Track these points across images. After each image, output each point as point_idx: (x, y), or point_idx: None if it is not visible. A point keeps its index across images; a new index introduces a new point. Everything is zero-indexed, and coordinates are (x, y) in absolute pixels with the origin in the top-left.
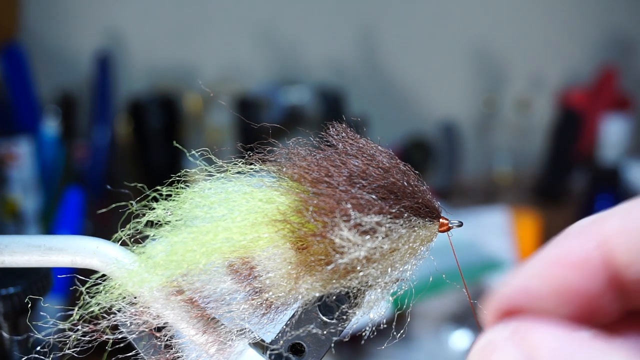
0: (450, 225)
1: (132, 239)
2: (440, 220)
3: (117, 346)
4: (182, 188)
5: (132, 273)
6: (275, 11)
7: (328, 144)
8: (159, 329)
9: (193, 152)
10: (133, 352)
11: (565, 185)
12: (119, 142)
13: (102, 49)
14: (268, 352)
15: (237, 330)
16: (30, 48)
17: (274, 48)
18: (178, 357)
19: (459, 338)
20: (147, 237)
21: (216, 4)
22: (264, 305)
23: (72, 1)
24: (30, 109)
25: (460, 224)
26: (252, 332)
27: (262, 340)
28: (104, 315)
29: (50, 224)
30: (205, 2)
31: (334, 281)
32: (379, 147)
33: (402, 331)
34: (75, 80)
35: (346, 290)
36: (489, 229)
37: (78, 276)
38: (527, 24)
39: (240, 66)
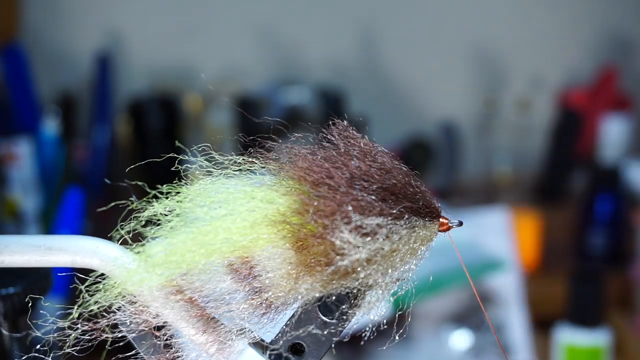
0: (450, 224)
1: (132, 238)
2: (440, 220)
3: (116, 345)
4: (182, 186)
5: (132, 272)
6: (276, 11)
7: (329, 143)
8: (159, 328)
9: (194, 148)
10: (133, 352)
11: (565, 185)
12: (119, 142)
13: (102, 49)
14: (268, 352)
15: (237, 330)
16: (30, 48)
17: (274, 48)
18: (178, 357)
19: (459, 338)
20: (146, 236)
21: (216, 4)
22: (263, 304)
23: (72, 1)
24: (30, 109)
25: (460, 224)
26: (252, 332)
27: (262, 340)
28: (104, 314)
29: (50, 224)
30: (205, 2)
31: (334, 282)
32: (381, 148)
33: (402, 331)
34: (75, 80)
35: (346, 290)
36: (489, 229)
37: (78, 275)
38: (527, 24)
39: (240, 66)
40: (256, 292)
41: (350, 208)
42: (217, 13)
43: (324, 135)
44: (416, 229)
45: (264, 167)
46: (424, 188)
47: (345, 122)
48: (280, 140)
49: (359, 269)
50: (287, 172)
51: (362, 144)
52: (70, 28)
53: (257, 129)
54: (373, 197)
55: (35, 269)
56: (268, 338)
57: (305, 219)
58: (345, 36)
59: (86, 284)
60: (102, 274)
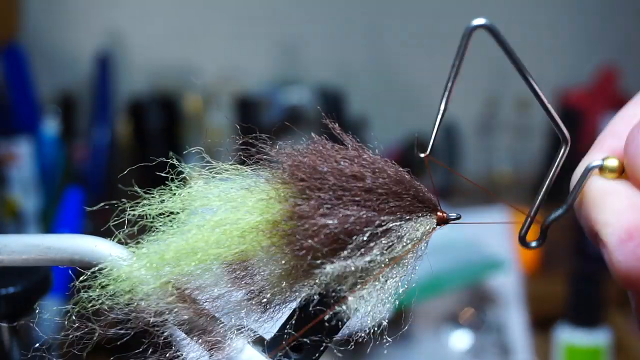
0: (448, 218)
1: (130, 237)
2: (438, 214)
3: (116, 344)
4: (176, 188)
5: (130, 271)
6: (276, 11)
7: (321, 146)
8: (158, 327)
9: (190, 149)
10: (132, 351)
11: (565, 185)
12: (119, 142)
13: (102, 49)
14: (267, 350)
15: (236, 328)
16: (30, 48)
17: (274, 48)
18: (177, 356)
19: (459, 338)
20: (144, 236)
21: (216, 4)
22: (261, 303)
23: (72, 1)
24: (30, 109)
25: (459, 217)
26: (251, 330)
27: (261, 338)
28: (103, 312)
29: (50, 224)
30: (205, 2)
31: (330, 282)
32: (370, 153)
33: (402, 331)
34: (75, 80)
35: (345, 290)
36: (489, 229)
37: (77, 273)
38: (527, 24)
39: (240, 66)
40: (253, 291)
41: (336, 221)
42: (217, 13)
43: (316, 138)
44: (413, 226)
45: (257, 170)
46: (419, 184)
47: (338, 127)
48: (277, 141)
49: (355, 270)
50: (279, 177)
51: (352, 147)
52: (70, 28)
53: (257, 129)
54: (364, 205)
55: (35, 269)
56: (267, 336)
57: (296, 227)
58: (346, 36)
59: (83, 281)
60: (100, 272)
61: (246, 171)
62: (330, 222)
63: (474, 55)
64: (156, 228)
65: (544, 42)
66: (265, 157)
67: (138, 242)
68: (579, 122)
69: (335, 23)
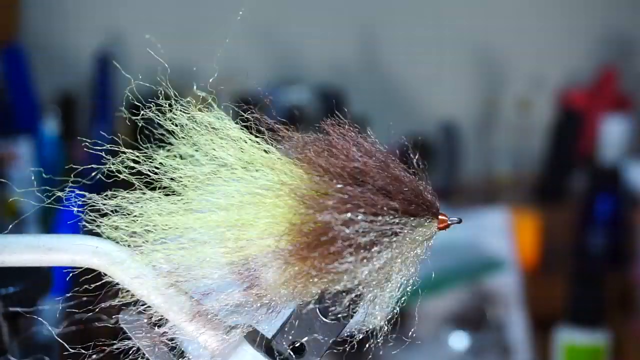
0: (449, 222)
1: (131, 235)
2: (440, 217)
3: (116, 342)
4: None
5: (130, 269)
6: (275, 11)
7: (329, 142)
8: (159, 326)
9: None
10: (133, 350)
11: (565, 185)
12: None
13: (102, 49)
14: (268, 350)
15: (237, 327)
16: (30, 48)
17: (274, 48)
18: (178, 354)
19: (459, 338)
20: (147, 231)
21: (216, 4)
22: (262, 302)
23: (72, 1)
24: (30, 109)
25: (460, 221)
26: (252, 329)
27: (263, 337)
28: (104, 309)
29: (50, 224)
30: (205, 2)
31: (332, 283)
32: (377, 148)
33: (401, 331)
34: (75, 80)
35: (346, 291)
36: (489, 229)
37: (79, 274)
38: (527, 24)
39: (240, 66)
40: (254, 290)
41: (345, 216)
42: (217, 13)
43: (324, 133)
44: (414, 228)
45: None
46: (422, 186)
47: (346, 120)
48: (284, 138)
49: (356, 271)
50: (289, 175)
51: (362, 143)
52: (70, 28)
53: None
54: (369, 202)
55: (35, 269)
56: (269, 335)
57: (302, 227)
58: (345, 36)
59: (84, 280)
60: (102, 272)
61: (254, 167)
62: (336, 225)
63: (474, 55)
64: (160, 224)
65: (544, 42)
66: (274, 152)
67: (141, 238)
68: (579, 122)
69: (335, 24)
